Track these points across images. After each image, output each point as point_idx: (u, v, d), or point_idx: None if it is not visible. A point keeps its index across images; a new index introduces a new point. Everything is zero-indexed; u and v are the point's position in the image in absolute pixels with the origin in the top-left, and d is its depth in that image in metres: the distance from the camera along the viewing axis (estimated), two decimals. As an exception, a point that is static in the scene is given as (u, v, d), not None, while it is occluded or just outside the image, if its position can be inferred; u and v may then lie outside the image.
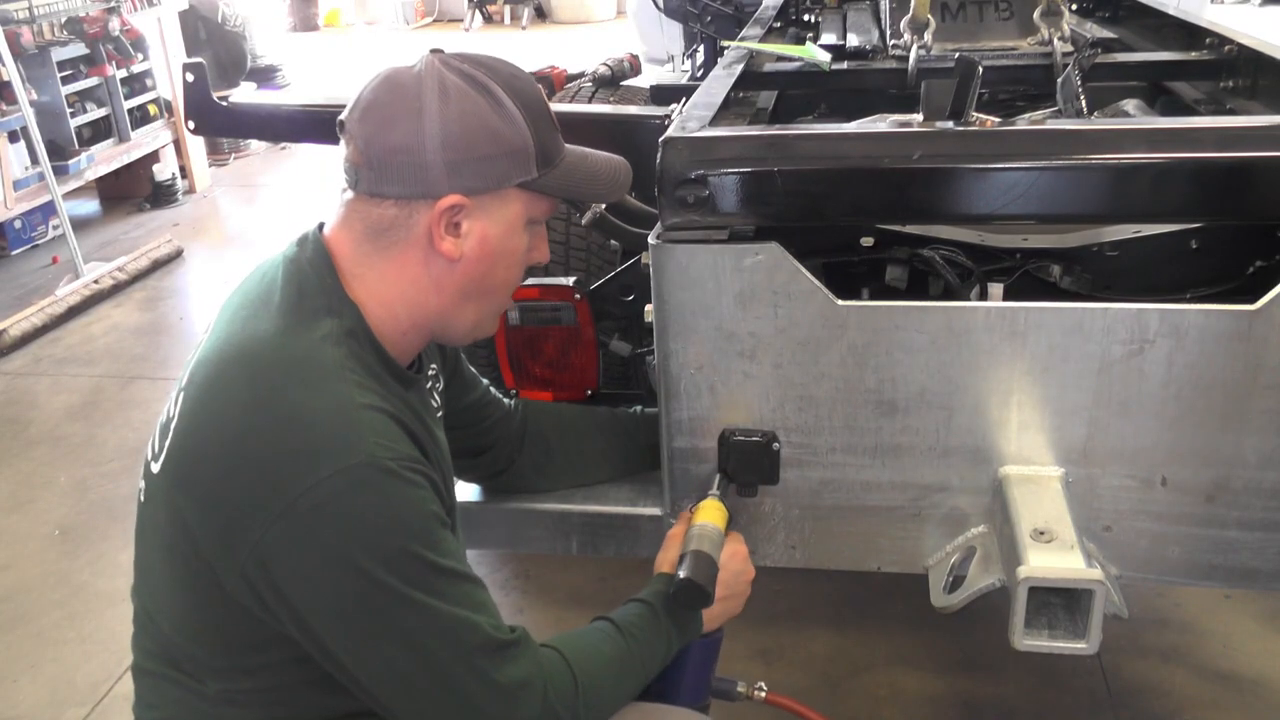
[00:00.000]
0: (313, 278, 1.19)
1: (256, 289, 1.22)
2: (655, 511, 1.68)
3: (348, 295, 1.19)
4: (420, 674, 1.11)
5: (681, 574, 1.37)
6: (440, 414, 1.42)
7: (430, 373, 1.41)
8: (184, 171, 6.41)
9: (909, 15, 2.27)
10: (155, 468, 1.18)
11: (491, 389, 1.67)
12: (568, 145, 1.28)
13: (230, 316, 1.21)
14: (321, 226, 1.24)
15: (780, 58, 2.35)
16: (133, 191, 6.23)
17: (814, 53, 2.28)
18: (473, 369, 1.64)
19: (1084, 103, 2.00)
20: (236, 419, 1.10)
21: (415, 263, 1.20)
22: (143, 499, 1.22)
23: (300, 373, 1.11)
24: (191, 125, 2.16)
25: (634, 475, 1.76)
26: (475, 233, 1.19)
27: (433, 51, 1.20)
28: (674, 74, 5.52)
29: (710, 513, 1.49)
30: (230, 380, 1.13)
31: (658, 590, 1.40)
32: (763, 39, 2.65)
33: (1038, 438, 1.49)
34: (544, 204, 1.25)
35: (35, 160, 5.06)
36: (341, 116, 1.19)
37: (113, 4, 5.79)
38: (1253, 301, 1.37)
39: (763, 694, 1.56)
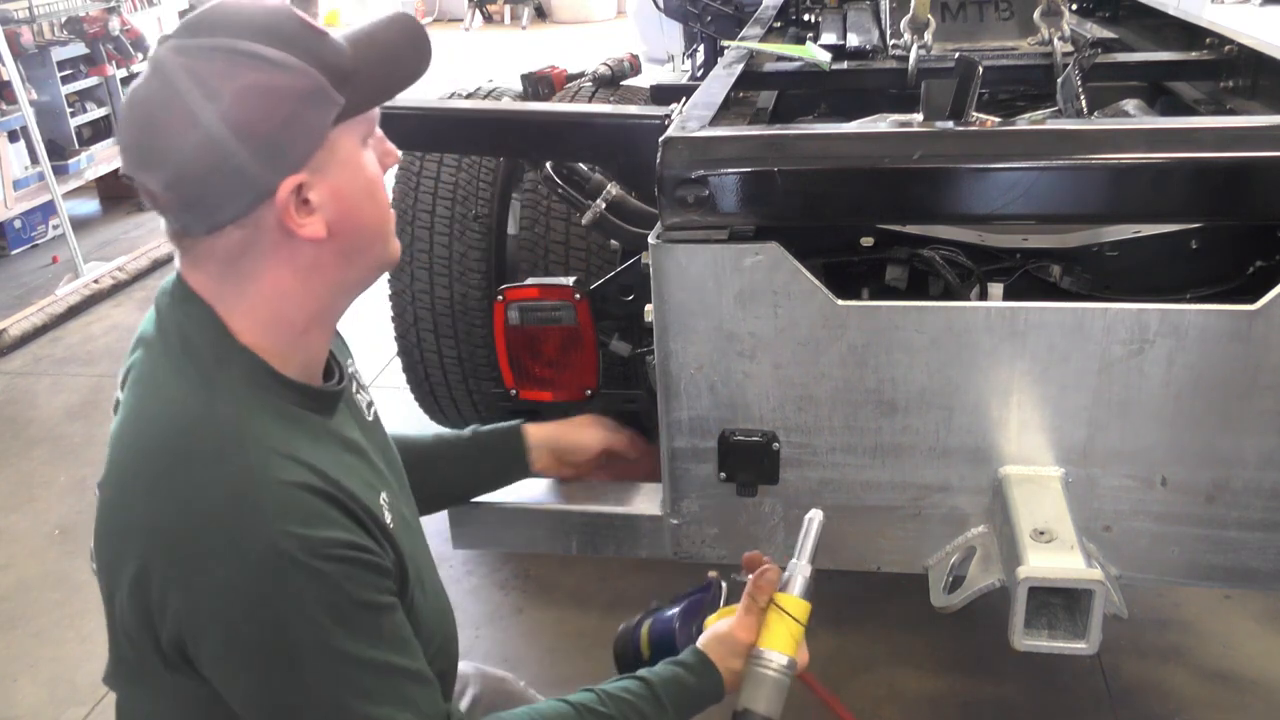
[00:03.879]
0: (194, 334, 1.08)
1: (144, 357, 1.12)
2: (655, 511, 1.68)
3: (234, 338, 1.08)
4: None
5: None
6: (373, 414, 1.31)
7: (351, 370, 1.30)
8: (184, 171, 6.40)
9: (909, 15, 2.27)
10: (93, 566, 1.11)
11: None
12: (346, 40, 1.10)
13: (127, 395, 1.11)
14: (180, 275, 1.12)
15: (780, 57, 2.34)
16: (133, 191, 6.01)
17: (814, 53, 2.28)
18: None
19: (1084, 103, 2.00)
20: (140, 513, 1.02)
21: (286, 263, 1.07)
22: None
23: (193, 450, 1.02)
24: (191, 125, 2.16)
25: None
26: (327, 197, 1.06)
27: (160, 42, 1.04)
28: (674, 74, 5.51)
29: (788, 640, 1.24)
30: (129, 472, 1.05)
31: (684, 683, 1.22)
32: (763, 39, 2.65)
33: (1038, 438, 1.49)
34: (368, 118, 1.10)
35: (35, 160, 5.07)
36: (122, 170, 1.08)
37: (113, 4, 5.80)
38: (1253, 302, 1.37)
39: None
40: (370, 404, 1.32)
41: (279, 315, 1.09)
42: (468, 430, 1.61)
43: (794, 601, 1.26)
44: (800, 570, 1.29)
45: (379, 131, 1.15)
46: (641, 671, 1.23)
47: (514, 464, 1.61)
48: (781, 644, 1.23)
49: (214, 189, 1.01)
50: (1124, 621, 1.50)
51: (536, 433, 1.60)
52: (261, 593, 0.97)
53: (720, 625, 1.28)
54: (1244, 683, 2.36)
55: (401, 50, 1.13)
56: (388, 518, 1.12)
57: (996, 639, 1.43)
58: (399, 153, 1.18)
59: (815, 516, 1.33)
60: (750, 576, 1.29)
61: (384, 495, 1.15)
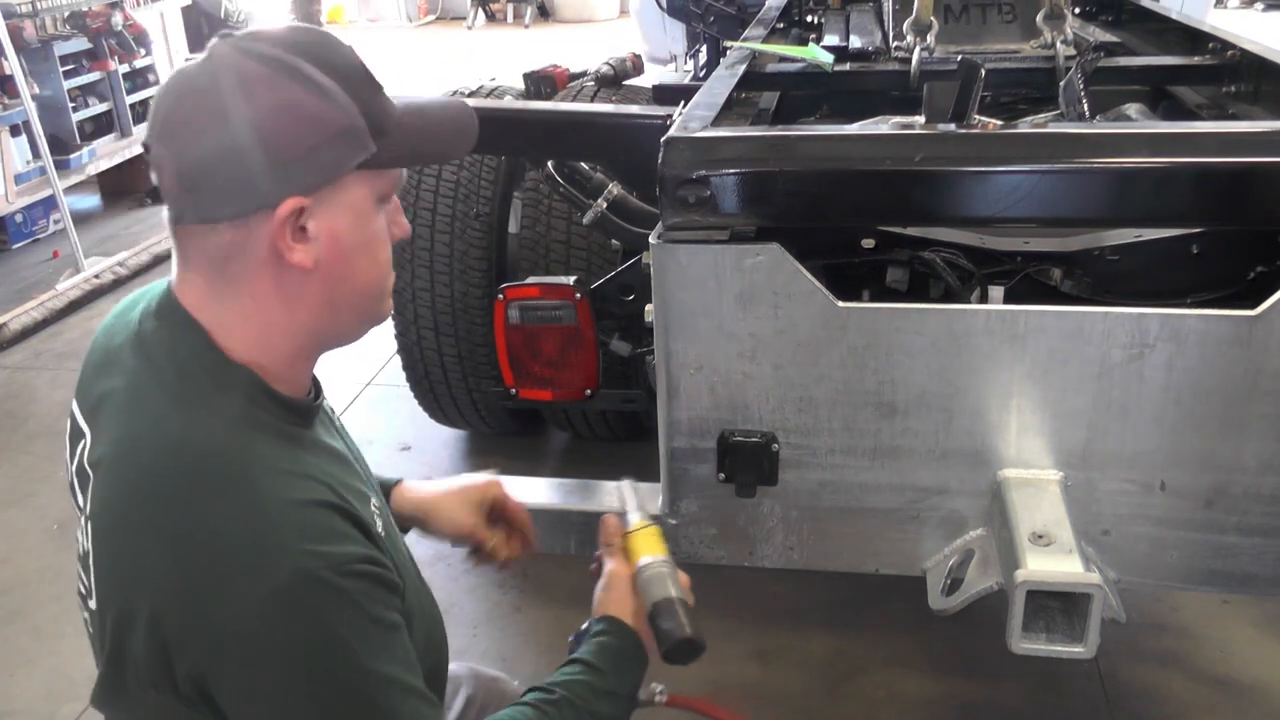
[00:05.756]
0: (186, 357, 1.05)
1: (128, 384, 1.07)
2: (655, 511, 1.67)
3: (230, 360, 1.05)
4: None
5: (680, 635, 1.23)
6: (338, 419, 1.29)
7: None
8: (185, 167, 6.41)
9: (912, 17, 2.27)
10: (92, 604, 1.07)
11: None
12: (397, 102, 1.12)
13: (111, 423, 1.06)
14: (171, 291, 1.09)
15: (783, 58, 2.34)
16: (134, 186, 6.22)
17: (817, 54, 2.28)
18: None
19: (1086, 106, 2.00)
20: (154, 552, 0.98)
21: (271, 285, 1.04)
22: (90, 630, 1.12)
23: (204, 483, 0.98)
24: (193, 121, 2.16)
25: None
26: (324, 233, 1.04)
27: (221, 37, 1.04)
28: (676, 74, 5.52)
29: (654, 543, 1.32)
30: (135, 508, 1.00)
31: (605, 644, 1.24)
32: (765, 39, 2.65)
33: (1037, 441, 1.49)
34: (389, 178, 1.10)
35: (37, 154, 5.06)
36: (144, 139, 1.06)
37: (116, -1, 5.80)
38: (1253, 307, 1.37)
39: (664, 698, 1.42)
40: (332, 411, 1.30)
41: (265, 337, 1.07)
42: None
43: (639, 524, 1.34)
44: (633, 510, 1.36)
45: (398, 202, 1.14)
46: (570, 657, 1.26)
47: None
48: (649, 550, 1.30)
49: (219, 182, 1.00)
50: (1121, 626, 1.50)
51: (408, 498, 1.47)
52: (288, 616, 0.95)
53: (598, 586, 1.33)
54: (1241, 688, 2.35)
55: (444, 128, 1.16)
56: (379, 525, 1.11)
57: (994, 642, 1.43)
58: (409, 229, 1.17)
59: (624, 485, 1.41)
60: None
61: (374, 501, 1.15)
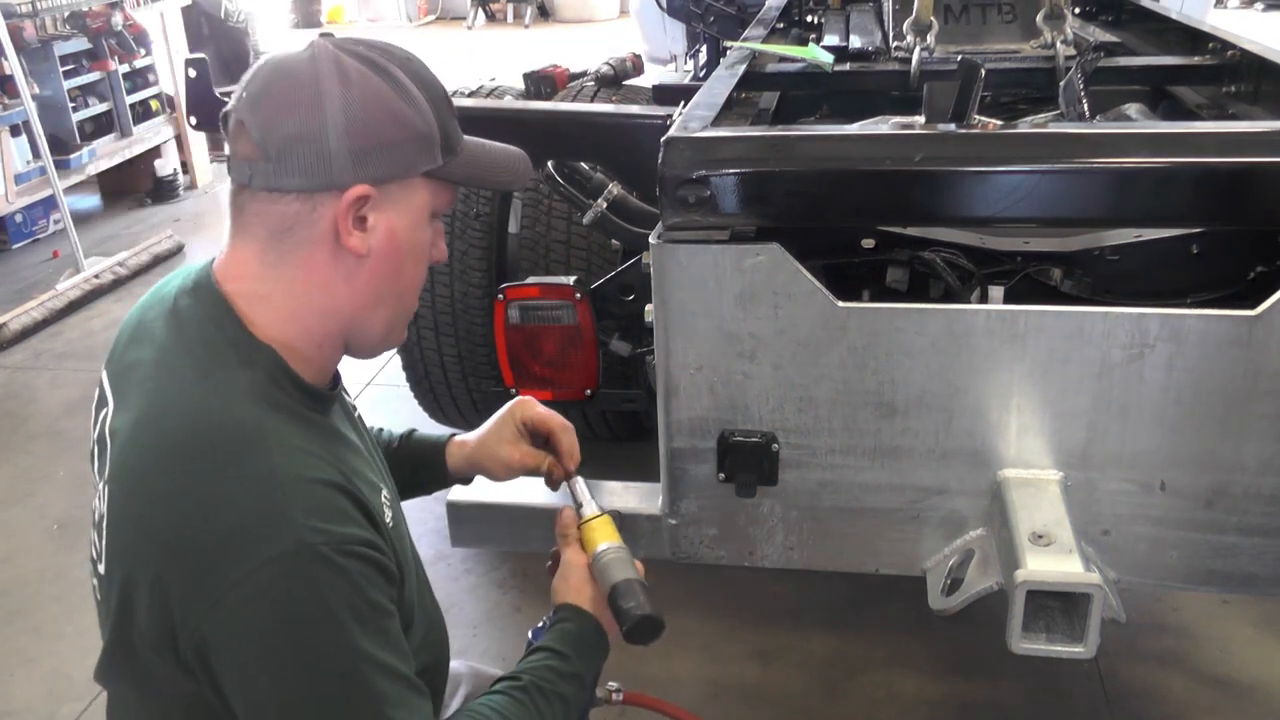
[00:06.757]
0: (214, 332, 1.09)
1: (157, 356, 1.11)
2: (654, 511, 1.68)
3: (256, 338, 1.09)
4: None
5: (641, 612, 1.24)
6: (358, 412, 1.34)
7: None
8: (185, 167, 6.41)
9: (912, 17, 2.27)
10: (101, 569, 1.11)
11: None
12: (466, 131, 1.21)
13: (137, 392, 1.10)
14: (210, 268, 1.14)
15: (783, 58, 2.35)
16: (134, 186, 6.22)
17: (817, 54, 2.28)
18: None
19: (1086, 106, 2.00)
20: (162, 514, 1.02)
21: (323, 264, 1.10)
22: (98, 597, 1.16)
23: (218, 451, 1.02)
24: (193, 121, 2.17)
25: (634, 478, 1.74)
26: (382, 226, 1.10)
27: (323, 35, 1.12)
28: (676, 74, 5.52)
29: (609, 531, 1.35)
30: (149, 471, 1.04)
31: (566, 630, 1.27)
32: (765, 39, 2.65)
33: (1037, 441, 1.49)
34: (447, 194, 1.18)
35: (37, 154, 5.06)
36: (227, 108, 1.11)
37: (116, -1, 5.80)
38: (1253, 307, 1.37)
39: (620, 696, 1.46)
40: (354, 406, 1.34)
41: (302, 315, 1.11)
42: (401, 433, 1.55)
43: (593, 515, 1.36)
44: (586, 502, 1.38)
45: (441, 226, 1.22)
46: (534, 646, 1.29)
47: (433, 479, 1.54)
48: (605, 538, 1.33)
49: (297, 155, 1.06)
50: (1121, 626, 1.50)
51: (459, 455, 1.51)
52: (286, 586, 0.98)
53: (555, 576, 1.36)
54: (1241, 688, 2.36)
55: (505, 161, 1.24)
56: (388, 516, 1.14)
57: (994, 642, 1.43)
58: (446, 254, 1.24)
59: (574, 480, 1.43)
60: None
61: (385, 492, 1.18)
